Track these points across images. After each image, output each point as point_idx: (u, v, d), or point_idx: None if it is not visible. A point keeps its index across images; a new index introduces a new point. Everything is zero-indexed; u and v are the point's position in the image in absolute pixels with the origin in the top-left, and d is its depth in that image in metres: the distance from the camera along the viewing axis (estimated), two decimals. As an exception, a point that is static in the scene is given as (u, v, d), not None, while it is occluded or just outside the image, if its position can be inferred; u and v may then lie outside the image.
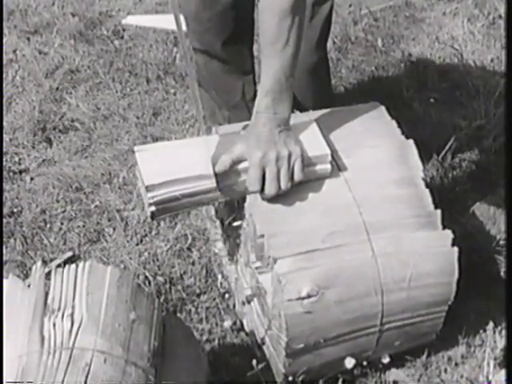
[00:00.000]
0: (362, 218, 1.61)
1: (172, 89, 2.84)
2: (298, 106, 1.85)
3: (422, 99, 2.68)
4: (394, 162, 1.71)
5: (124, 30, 3.20)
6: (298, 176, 1.58)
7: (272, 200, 1.60)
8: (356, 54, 2.99)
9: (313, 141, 1.64)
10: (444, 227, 1.66)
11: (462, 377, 1.83)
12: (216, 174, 1.57)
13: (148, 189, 1.55)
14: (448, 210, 1.80)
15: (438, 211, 1.66)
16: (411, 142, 1.73)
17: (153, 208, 1.57)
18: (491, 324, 1.86)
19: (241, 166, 1.59)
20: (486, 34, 3.03)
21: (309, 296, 1.54)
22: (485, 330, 1.89)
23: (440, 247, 1.65)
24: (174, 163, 1.58)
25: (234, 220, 1.81)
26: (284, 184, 1.57)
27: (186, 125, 2.65)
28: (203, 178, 1.57)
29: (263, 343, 1.79)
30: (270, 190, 1.57)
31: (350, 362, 1.69)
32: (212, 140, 1.63)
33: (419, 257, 1.62)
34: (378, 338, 1.68)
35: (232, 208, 1.76)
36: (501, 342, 1.84)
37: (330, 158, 1.63)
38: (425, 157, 1.90)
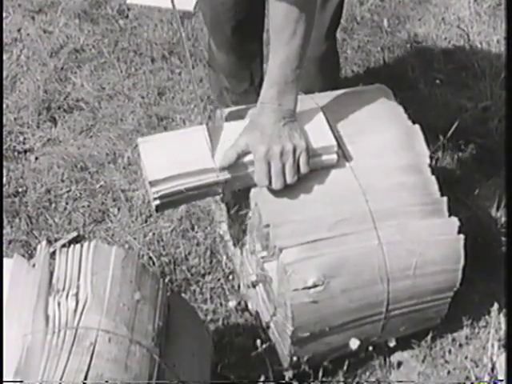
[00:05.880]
0: (368, 206, 1.60)
1: (177, 68, 2.83)
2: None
3: (428, 80, 2.67)
4: (399, 148, 1.69)
5: (129, 9, 3.19)
6: (304, 169, 1.57)
7: (278, 190, 1.60)
8: (362, 35, 2.97)
9: (319, 131, 1.62)
10: (450, 214, 1.65)
11: (466, 358, 1.83)
12: (222, 168, 1.57)
13: (152, 184, 1.54)
14: (453, 191, 1.79)
15: (444, 198, 1.65)
16: (417, 127, 1.72)
17: (157, 202, 1.57)
18: (495, 305, 1.86)
19: (246, 158, 1.58)
20: (492, 15, 3.01)
21: (315, 285, 1.54)
22: (489, 312, 1.89)
23: (446, 235, 1.64)
24: (178, 156, 1.57)
25: (240, 208, 1.80)
26: (290, 178, 1.56)
27: (191, 105, 2.64)
28: (208, 171, 1.56)
29: (268, 327, 1.79)
30: (276, 184, 1.57)
31: (354, 343, 1.69)
32: (216, 129, 1.62)
33: (425, 245, 1.61)
34: (384, 324, 1.68)
35: (237, 196, 1.76)
36: (505, 324, 1.84)
37: (335, 149, 1.62)
38: (430, 138, 1.89)
